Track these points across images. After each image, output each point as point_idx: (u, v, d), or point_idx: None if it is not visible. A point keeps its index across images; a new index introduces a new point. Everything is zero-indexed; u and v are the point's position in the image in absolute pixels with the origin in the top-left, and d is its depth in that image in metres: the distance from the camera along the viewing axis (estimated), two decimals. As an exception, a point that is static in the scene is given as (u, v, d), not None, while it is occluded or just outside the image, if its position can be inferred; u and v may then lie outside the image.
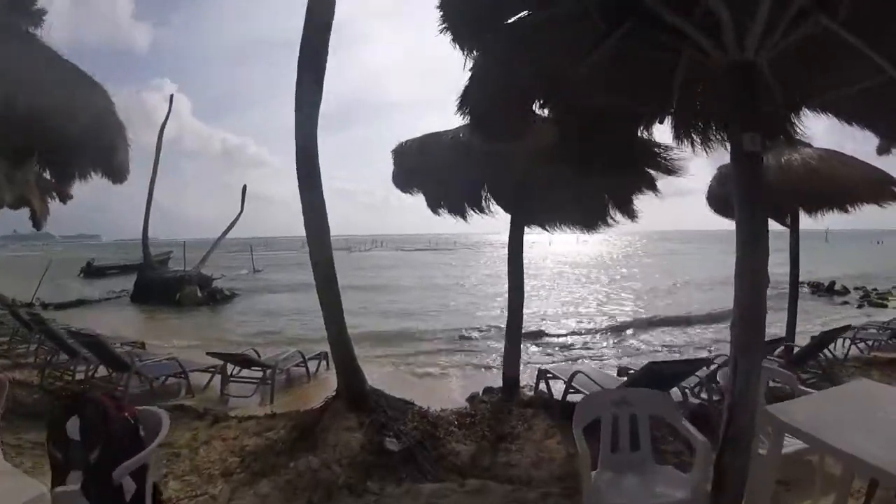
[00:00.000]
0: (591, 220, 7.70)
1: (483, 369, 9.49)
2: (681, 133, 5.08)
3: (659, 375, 5.14)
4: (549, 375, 6.84)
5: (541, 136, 5.26)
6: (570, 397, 6.06)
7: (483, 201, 7.40)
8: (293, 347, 9.45)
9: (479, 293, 21.72)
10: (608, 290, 22.79)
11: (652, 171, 6.29)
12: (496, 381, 8.03)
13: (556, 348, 11.03)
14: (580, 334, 12.81)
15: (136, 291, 20.82)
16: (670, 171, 5.99)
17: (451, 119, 4.76)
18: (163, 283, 19.92)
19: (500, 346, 10.78)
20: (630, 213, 7.51)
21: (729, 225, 4.61)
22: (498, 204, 7.46)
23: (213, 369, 7.92)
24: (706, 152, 5.16)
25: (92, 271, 34.21)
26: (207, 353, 8.13)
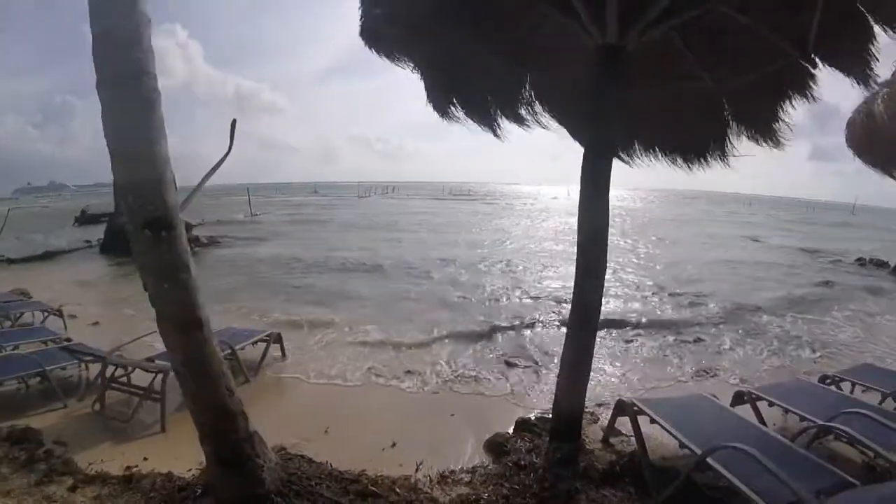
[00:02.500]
0: (703, 144, 4.65)
1: (511, 380, 5.94)
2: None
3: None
4: (636, 409, 3.81)
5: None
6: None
7: (524, 104, 4.35)
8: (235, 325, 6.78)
9: (511, 263, 15.04)
10: (648, 262, 16.23)
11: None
12: (537, 400, 5.22)
13: (613, 347, 7.28)
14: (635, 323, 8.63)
15: (105, 241, 18.41)
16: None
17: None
18: (132, 231, 17.38)
19: (532, 337, 7.67)
20: (774, 136, 4.42)
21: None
22: (553, 115, 4.45)
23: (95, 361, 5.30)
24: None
25: (86, 219, 32.96)
26: (62, 349, 5.48)
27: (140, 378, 4.97)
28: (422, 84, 4.27)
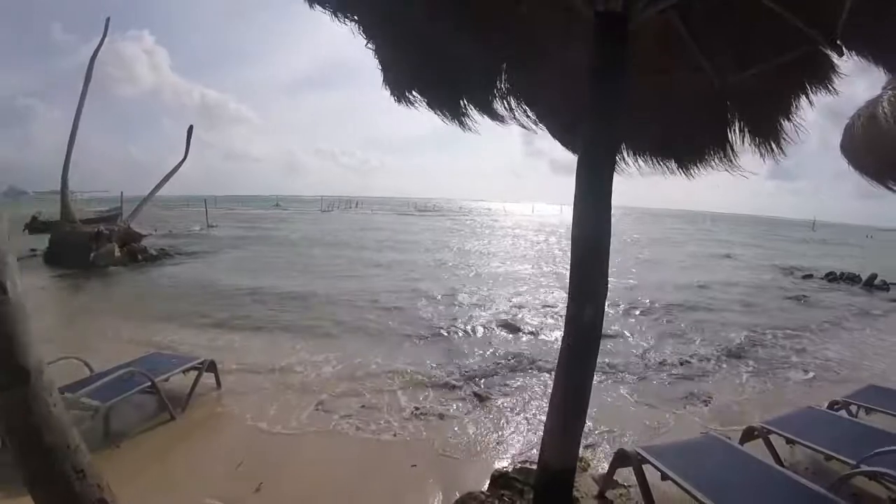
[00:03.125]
0: (701, 146, 4.09)
1: (485, 420, 5.11)
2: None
3: None
4: (640, 458, 3.17)
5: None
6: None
7: (499, 97, 3.70)
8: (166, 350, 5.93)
9: (481, 288, 13.55)
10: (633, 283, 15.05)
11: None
12: (518, 446, 4.56)
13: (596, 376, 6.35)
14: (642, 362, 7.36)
15: (49, 250, 17.32)
16: None
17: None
18: (77, 241, 16.30)
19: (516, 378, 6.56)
20: (778, 141, 3.90)
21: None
22: (535, 112, 3.83)
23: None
24: None
25: (37, 226, 31.36)
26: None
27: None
28: (387, 94, 3.61)
